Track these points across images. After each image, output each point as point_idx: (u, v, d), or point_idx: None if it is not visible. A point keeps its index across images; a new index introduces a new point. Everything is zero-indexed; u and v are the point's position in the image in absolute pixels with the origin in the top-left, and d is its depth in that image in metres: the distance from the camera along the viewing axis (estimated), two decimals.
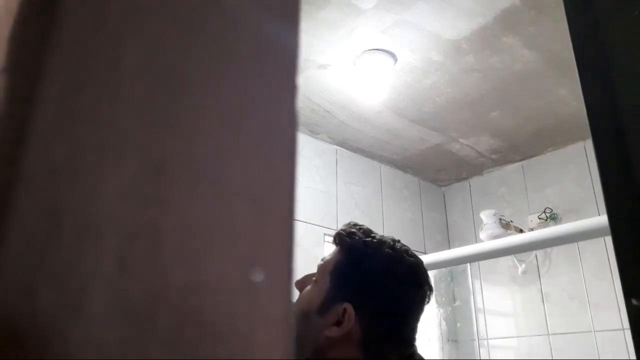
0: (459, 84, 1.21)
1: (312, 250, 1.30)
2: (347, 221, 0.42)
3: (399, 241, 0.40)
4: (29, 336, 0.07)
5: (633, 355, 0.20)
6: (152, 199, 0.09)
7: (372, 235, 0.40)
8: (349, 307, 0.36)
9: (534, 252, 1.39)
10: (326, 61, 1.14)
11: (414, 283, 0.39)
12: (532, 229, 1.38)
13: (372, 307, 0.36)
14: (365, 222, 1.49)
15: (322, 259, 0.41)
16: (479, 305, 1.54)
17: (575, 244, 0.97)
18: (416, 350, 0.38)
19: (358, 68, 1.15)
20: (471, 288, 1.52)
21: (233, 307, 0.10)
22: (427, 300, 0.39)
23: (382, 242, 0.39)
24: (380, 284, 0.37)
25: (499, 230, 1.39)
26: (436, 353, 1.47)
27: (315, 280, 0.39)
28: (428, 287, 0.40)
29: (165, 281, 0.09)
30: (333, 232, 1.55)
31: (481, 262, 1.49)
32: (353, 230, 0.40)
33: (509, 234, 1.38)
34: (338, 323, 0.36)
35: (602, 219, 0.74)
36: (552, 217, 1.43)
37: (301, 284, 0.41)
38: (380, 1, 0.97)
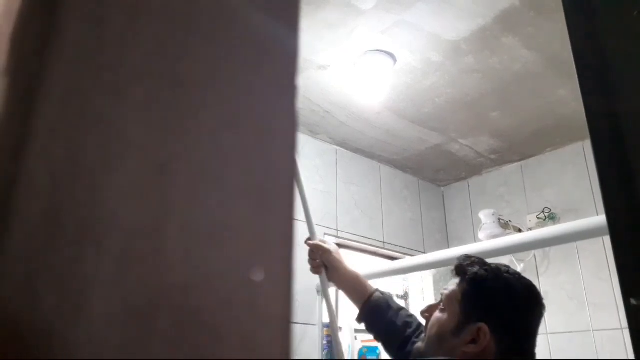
0: (458, 84, 1.21)
1: None
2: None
3: (509, 267, 0.49)
4: (29, 336, 0.07)
5: (632, 355, 0.20)
6: (152, 199, 0.09)
7: (488, 264, 0.49)
8: (483, 326, 0.44)
9: (533, 251, 1.40)
10: (326, 62, 1.14)
11: (533, 300, 0.46)
12: (530, 229, 1.38)
13: (502, 325, 0.44)
14: (365, 222, 1.48)
15: (445, 289, 0.49)
16: None
17: (574, 243, 0.97)
18: None
19: (358, 69, 1.15)
20: None
21: (233, 307, 0.10)
22: (542, 315, 0.47)
23: (498, 268, 0.48)
24: (505, 303, 0.45)
25: (497, 230, 1.39)
26: None
27: (444, 308, 0.48)
28: (542, 304, 0.47)
29: (166, 281, 0.09)
30: (333, 232, 1.54)
31: None
32: (469, 261, 0.49)
33: (508, 234, 1.39)
34: (473, 341, 0.44)
35: (601, 219, 0.74)
36: (551, 217, 1.44)
37: (428, 312, 0.50)
38: (380, 2, 0.97)
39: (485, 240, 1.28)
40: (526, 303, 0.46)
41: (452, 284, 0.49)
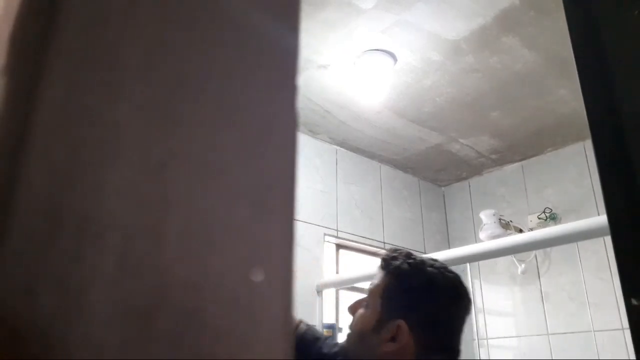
0: (458, 84, 1.21)
1: (312, 250, 1.30)
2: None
3: (437, 260, 0.46)
4: (29, 336, 0.07)
5: (633, 355, 0.20)
6: (152, 199, 0.09)
7: (413, 257, 0.46)
8: (402, 323, 0.42)
9: (534, 252, 1.39)
10: (326, 61, 1.14)
11: (457, 295, 0.44)
12: (531, 229, 1.38)
13: (422, 321, 0.42)
14: (365, 222, 1.48)
15: (371, 284, 0.47)
16: (479, 305, 1.54)
17: (575, 243, 0.97)
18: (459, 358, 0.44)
19: (358, 68, 1.15)
20: (471, 288, 1.52)
21: (233, 306, 0.10)
22: (468, 310, 0.45)
23: (422, 261, 0.45)
24: (426, 298, 0.43)
25: (498, 230, 1.39)
26: None
27: (367, 304, 0.46)
28: (468, 299, 0.45)
29: (166, 281, 0.09)
30: (333, 232, 1.55)
31: (481, 262, 1.49)
32: (395, 254, 0.46)
33: (509, 234, 1.38)
34: (393, 339, 0.42)
35: (602, 219, 0.74)
36: (552, 217, 1.43)
37: (353, 309, 0.47)
38: (380, 1, 0.97)
39: (486, 241, 1.28)
40: (448, 298, 0.43)
41: (377, 278, 0.46)
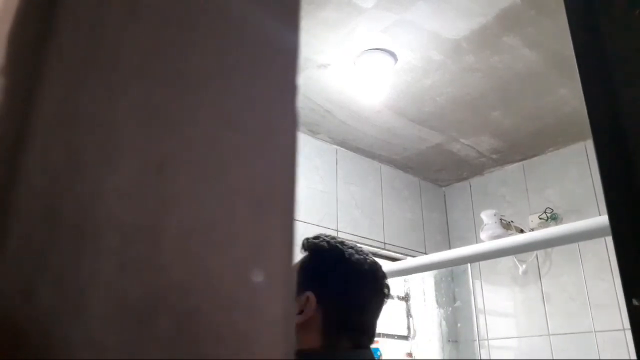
0: (459, 83, 1.21)
1: None
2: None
3: (360, 247, 0.46)
4: (29, 336, 0.07)
5: (634, 356, 0.20)
6: (152, 199, 0.09)
7: (334, 237, 0.46)
8: (310, 295, 0.41)
9: (535, 252, 1.39)
10: (326, 61, 1.14)
11: (371, 278, 0.44)
12: (532, 229, 1.37)
13: (331, 297, 0.41)
14: (366, 222, 1.48)
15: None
16: (480, 305, 1.53)
17: (576, 244, 0.96)
18: (369, 346, 0.42)
19: (358, 67, 1.15)
20: (472, 288, 1.52)
21: (233, 307, 0.09)
22: (383, 297, 0.44)
23: (343, 243, 0.45)
24: (339, 276, 0.43)
25: (499, 230, 1.39)
26: (437, 353, 1.47)
27: None
28: (385, 286, 0.45)
29: (165, 281, 0.09)
30: (333, 232, 1.54)
31: (482, 263, 1.49)
32: (319, 235, 0.47)
33: (510, 234, 1.38)
34: (301, 312, 0.41)
35: (603, 219, 0.74)
36: (553, 217, 1.43)
37: None
38: (381, 1, 0.97)
39: (487, 241, 1.28)
40: (361, 279, 0.42)
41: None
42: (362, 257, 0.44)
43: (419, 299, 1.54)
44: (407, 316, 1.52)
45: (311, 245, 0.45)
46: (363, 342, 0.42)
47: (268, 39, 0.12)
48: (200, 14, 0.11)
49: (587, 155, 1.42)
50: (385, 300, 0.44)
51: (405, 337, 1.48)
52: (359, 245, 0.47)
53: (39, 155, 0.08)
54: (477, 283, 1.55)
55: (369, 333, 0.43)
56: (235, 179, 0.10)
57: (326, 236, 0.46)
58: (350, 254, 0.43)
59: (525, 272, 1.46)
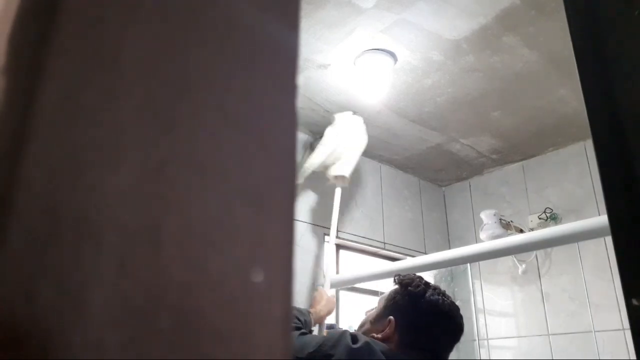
0: (459, 83, 1.21)
1: (312, 250, 1.30)
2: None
3: (443, 291, 0.61)
4: (29, 336, 0.07)
5: (633, 356, 0.20)
6: (152, 199, 0.09)
7: (422, 279, 0.62)
8: (392, 319, 0.58)
9: (534, 252, 1.39)
10: (326, 61, 1.14)
11: (444, 317, 0.58)
12: (532, 229, 1.38)
13: (409, 325, 0.58)
14: (366, 222, 1.48)
15: (383, 294, 0.65)
16: (479, 305, 1.53)
17: (576, 244, 0.96)
18: None
19: (358, 68, 1.15)
20: (471, 288, 1.52)
21: (233, 307, 0.09)
22: (455, 334, 0.59)
23: (428, 284, 0.61)
24: (417, 310, 0.58)
25: (499, 230, 1.39)
26: None
27: (376, 307, 0.64)
28: (458, 325, 0.59)
29: (165, 281, 0.09)
30: (333, 232, 1.53)
31: (481, 262, 1.49)
32: (411, 275, 0.63)
33: (509, 234, 1.38)
34: (383, 330, 0.58)
35: (602, 219, 0.74)
36: (553, 217, 1.43)
37: (367, 311, 0.66)
38: (380, 1, 0.97)
39: (486, 241, 1.28)
40: (435, 314, 0.56)
41: (389, 289, 0.63)
42: (440, 298, 0.58)
43: None
44: None
45: (401, 280, 0.61)
46: None
47: (268, 39, 0.12)
48: (201, 15, 0.11)
49: (586, 156, 1.42)
50: (459, 336, 0.58)
51: None
52: (420, 279, 0.60)
53: (39, 155, 0.08)
54: (477, 283, 1.56)
55: (437, 355, 0.56)
56: (235, 179, 0.10)
57: (417, 276, 0.62)
58: (431, 294, 0.58)
59: (524, 272, 1.46)
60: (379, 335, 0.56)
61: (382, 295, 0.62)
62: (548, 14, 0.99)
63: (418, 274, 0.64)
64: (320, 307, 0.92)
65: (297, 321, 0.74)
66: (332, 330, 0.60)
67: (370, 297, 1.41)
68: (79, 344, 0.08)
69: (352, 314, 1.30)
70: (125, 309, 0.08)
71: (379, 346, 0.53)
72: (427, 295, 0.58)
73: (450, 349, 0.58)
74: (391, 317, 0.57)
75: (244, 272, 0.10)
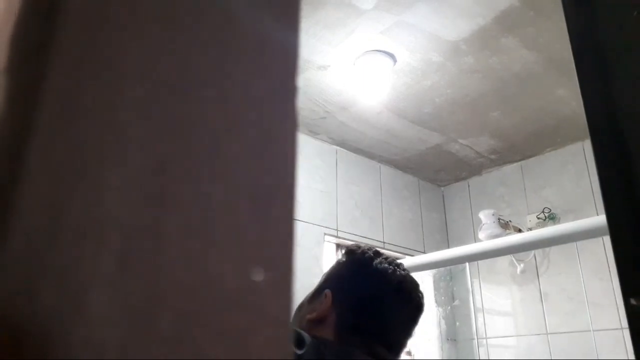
0: (458, 84, 1.21)
1: (312, 250, 1.30)
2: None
3: (397, 261, 0.44)
4: (29, 336, 0.07)
5: (632, 355, 0.20)
6: (152, 199, 0.09)
7: (373, 248, 0.44)
8: (328, 292, 0.41)
9: (533, 251, 1.40)
10: (326, 62, 1.14)
11: (396, 288, 0.41)
12: (530, 229, 1.38)
13: (347, 298, 0.40)
14: (365, 222, 1.48)
15: None
16: (478, 304, 1.54)
17: (574, 243, 0.97)
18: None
19: (358, 69, 1.15)
20: (470, 287, 1.52)
21: (233, 307, 0.10)
22: (413, 312, 0.42)
23: (377, 252, 0.44)
24: (358, 279, 0.41)
25: (497, 230, 1.39)
26: (435, 352, 1.47)
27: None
28: (415, 300, 0.42)
29: (166, 281, 0.09)
30: (333, 232, 1.54)
31: (480, 262, 1.49)
32: (359, 244, 0.46)
33: (508, 234, 1.39)
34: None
35: (601, 219, 0.74)
36: (551, 217, 1.44)
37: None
38: (380, 2, 0.97)
39: (485, 241, 1.28)
40: (384, 288, 0.40)
41: None
42: (391, 267, 0.41)
43: None
44: None
45: (346, 250, 0.45)
46: (380, 354, 0.39)
47: (268, 40, 0.12)
48: (201, 15, 0.11)
49: (585, 156, 1.42)
50: (417, 316, 0.42)
51: None
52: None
53: (40, 155, 0.08)
54: (476, 282, 1.56)
55: (390, 346, 0.40)
56: (235, 179, 0.10)
57: (366, 245, 0.45)
58: (379, 262, 0.42)
59: (523, 272, 1.46)
60: (314, 315, 0.39)
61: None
62: (547, 15, 0.99)
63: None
64: None
65: None
66: None
67: None
68: (79, 344, 0.08)
69: None
70: (125, 309, 0.08)
71: (326, 345, 0.36)
72: (375, 262, 0.41)
73: (406, 334, 0.41)
74: (327, 290, 0.40)
75: (244, 272, 0.10)
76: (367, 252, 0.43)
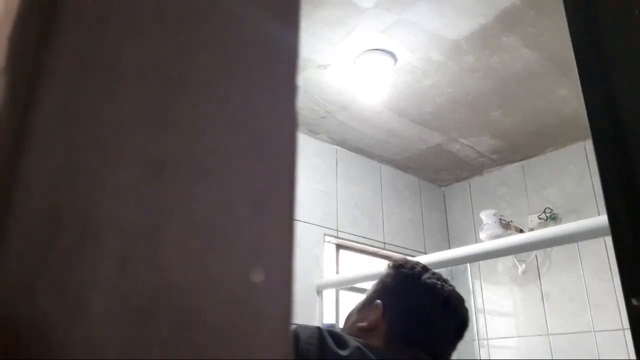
0: (459, 83, 1.21)
1: (312, 250, 1.30)
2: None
3: (443, 277, 0.48)
4: (29, 336, 0.07)
5: (633, 356, 0.20)
6: (152, 199, 0.09)
7: (420, 263, 0.48)
8: (379, 304, 0.45)
9: (534, 252, 1.39)
10: (326, 61, 1.14)
11: (442, 303, 0.45)
12: (532, 229, 1.38)
13: (398, 310, 0.45)
14: (366, 222, 1.48)
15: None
16: (479, 305, 1.54)
17: (575, 244, 0.97)
18: None
19: (358, 68, 1.15)
20: (471, 288, 1.52)
21: (233, 307, 0.10)
22: (458, 325, 0.46)
23: (425, 268, 0.48)
24: (409, 293, 0.45)
25: (499, 230, 1.39)
26: None
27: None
28: (460, 315, 0.46)
29: (165, 281, 0.09)
30: (333, 232, 1.54)
31: (481, 262, 1.49)
32: (406, 258, 0.50)
33: (509, 234, 1.38)
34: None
35: (602, 219, 0.74)
36: (552, 217, 1.43)
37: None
38: (380, 1, 0.97)
39: (486, 241, 1.28)
40: (430, 299, 0.44)
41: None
42: (439, 282, 0.45)
43: None
44: None
45: (394, 263, 0.49)
46: None
47: (268, 39, 0.12)
48: (201, 14, 0.11)
49: (586, 156, 1.42)
50: (462, 330, 0.46)
51: None
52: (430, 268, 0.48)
53: (39, 155, 0.08)
54: (477, 283, 1.56)
55: (435, 356, 0.43)
56: (235, 179, 0.10)
57: (412, 260, 0.49)
58: (429, 277, 0.45)
59: (524, 272, 1.46)
60: (365, 324, 0.43)
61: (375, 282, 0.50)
62: (548, 14, 0.99)
63: None
64: None
65: None
66: (299, 327, 0.42)
67: None
68: (79, 344, 0.08)
69: None
70: (125, 309, 0.08)
71: (371, 348, 0.40)
72: (424, 277, 0.45)
73: (451, 347, 0.45)
74: (378, 301, 0.44)
75: (244, 272, 0.10)
76: (416, 267, 0.47)
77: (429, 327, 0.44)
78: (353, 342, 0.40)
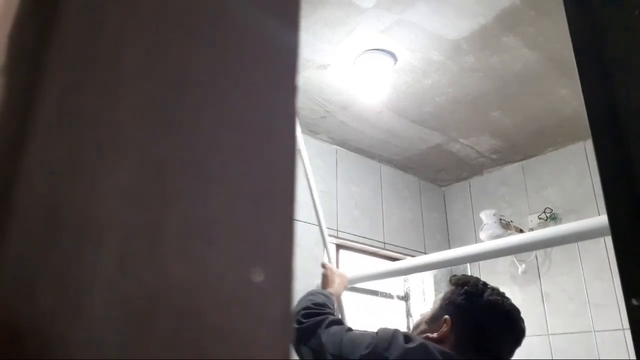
0: (459, 83, 1.21)
1: (312, 250, 1.30)
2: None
3: (502, 292, 0.57)
4: (29, 336, 0.07)
5: (633, 356, 0.20)
6: (152, 199, 0.09)
7: (480, 280, 0.59)
8: (447, 318, 0.55)
9: (534, 252, 1.39)
10: (326, 61, 1.14)
11: (503, 317, 0.54)
12: (532, 229, 1.38)
13: (465, 324, 0.54)
14: (366, 222, 1.47)
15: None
16: None
17: (575, 244, 0.97)
18: None
19: (358, 68, 1.15)
20: None
21: (233, 307, 0.10)
22: (516, 335, 0.55)
23: (485, 284, 0.57)
24: (474, 309, 0.55)
25: (499, 230, 1.39)
26: None
27: (432, 307, 0.62)
28: (518, 327, 0.55)
29: (165, 281, 0.09)
30: (333, 232, 1.54)
31: (481, 262, 1.49)
32: (466, 275, 0.61)
33: (509, 234, 1.38)
34: (438, 330, 0.55)
35: (602, 219, 0.74)
36: (552, 217, 1.43)
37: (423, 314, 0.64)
38: (381, 1, 0.97)
39: (486, 241, 1.28)
40: (494, 315, 0.53)
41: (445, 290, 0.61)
42: (500, 298, 0.55)
43: (419, 299, 1.54)
44: (407, 316, 1.52)
45: (457, 280, 0.58)
46: None
47: (268, 39, 0.12)
48: (201, 14, 0.11)
49: (586, 156, 1.42)
50: (520, 339, 0.54)
51: None
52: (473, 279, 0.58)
53: (39, 154, 0.08)
54: None
55: (496, 355, 0.53)
56: (235, 179, 0.10)
57: (474, 277, 0.60)
58: (490, 294, 0.55)
59: (524, 272, 1.46)
60: (435, 335, 0.53)
61: (438, 296, 0.60)
62: (548, 14, 0.99)
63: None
64: (336, 286, 0.79)
65: (329, 308, 0.64)
66: (381, 329, 0.54)
67: (370, 297, 1.41)
68: (79, 344, 0.08)
69: (352, 313, 1.30)
70: (125, 309, 0.08)
71: (435, 347, 0.50)
72: (486, 295, 0.54)
73: (511, 353, 0.54)
74: (447, 316, 0.54)
75: (244, 272, 0.10)
76: (478, 285, 0.57)
77: (492, 336, 0.53)
78: (420, 339, 0.51)
